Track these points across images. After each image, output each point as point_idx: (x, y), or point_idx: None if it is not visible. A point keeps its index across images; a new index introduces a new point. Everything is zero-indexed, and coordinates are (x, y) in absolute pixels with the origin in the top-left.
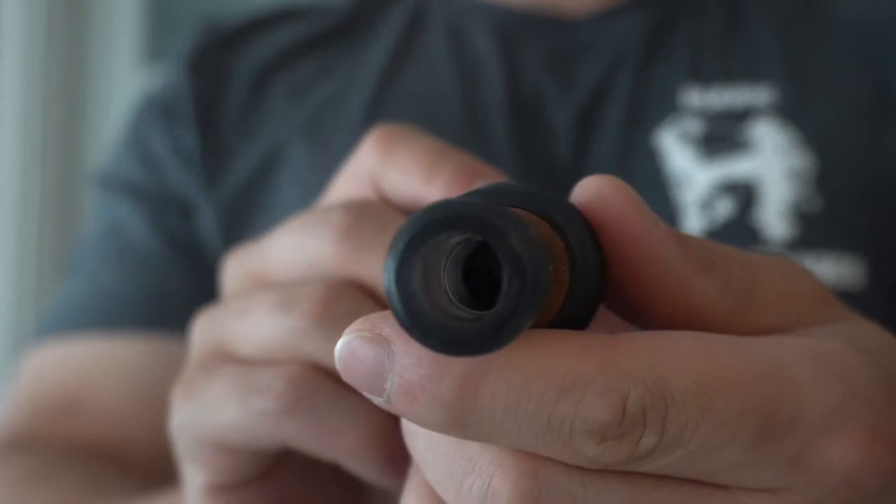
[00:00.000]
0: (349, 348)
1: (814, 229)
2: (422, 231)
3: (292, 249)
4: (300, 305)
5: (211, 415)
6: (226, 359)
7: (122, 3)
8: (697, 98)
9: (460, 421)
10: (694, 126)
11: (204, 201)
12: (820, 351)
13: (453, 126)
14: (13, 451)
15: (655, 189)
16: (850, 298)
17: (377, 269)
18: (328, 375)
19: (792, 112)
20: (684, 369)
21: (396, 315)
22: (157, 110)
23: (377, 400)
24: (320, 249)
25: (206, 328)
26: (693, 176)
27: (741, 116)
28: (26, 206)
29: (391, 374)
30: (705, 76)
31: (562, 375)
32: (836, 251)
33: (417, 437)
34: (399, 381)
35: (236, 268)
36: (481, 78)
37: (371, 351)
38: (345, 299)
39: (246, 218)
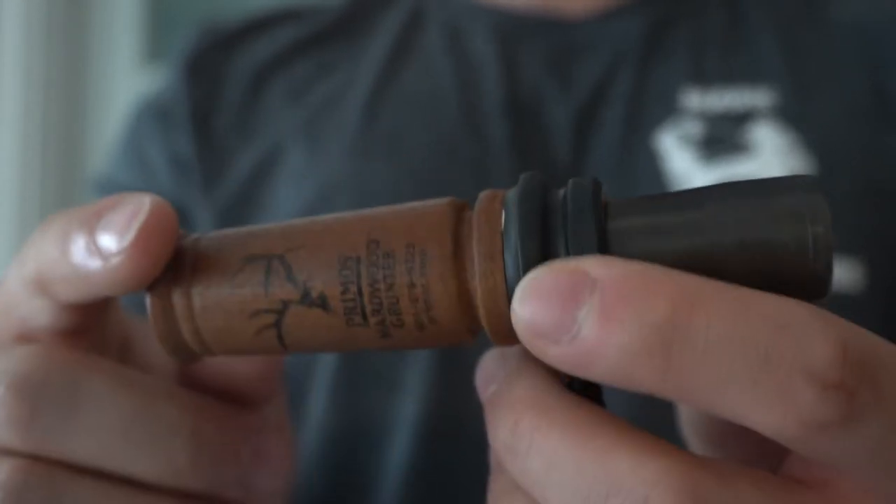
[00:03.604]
0: (538, 280)
1: None
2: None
3: None
4: None
5: None
6: None
7: (122, 4)
8: (698, 100)
9: (668, 344)
10: (694, 128)
11: (201, 207)
12: None
13: (452, 126)
14: None
15: (656, 190)
16: (849, 301)
17: (81, 444)
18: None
19: (792, 114)
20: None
21: None
22: (154, 115)
23: (553, 350)
24: (8, 441)
25: None
26: (693, 178)
27: (741, 119)
28: (26, 207)
29: (592, 295)
30: (706, 77)
31: (780, 311)
32: (835, 253)
33: (533, 456)
34: (601, 298)
35: None
36: (480, 78)
37: (566, 276)
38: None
39: (244, 219)
